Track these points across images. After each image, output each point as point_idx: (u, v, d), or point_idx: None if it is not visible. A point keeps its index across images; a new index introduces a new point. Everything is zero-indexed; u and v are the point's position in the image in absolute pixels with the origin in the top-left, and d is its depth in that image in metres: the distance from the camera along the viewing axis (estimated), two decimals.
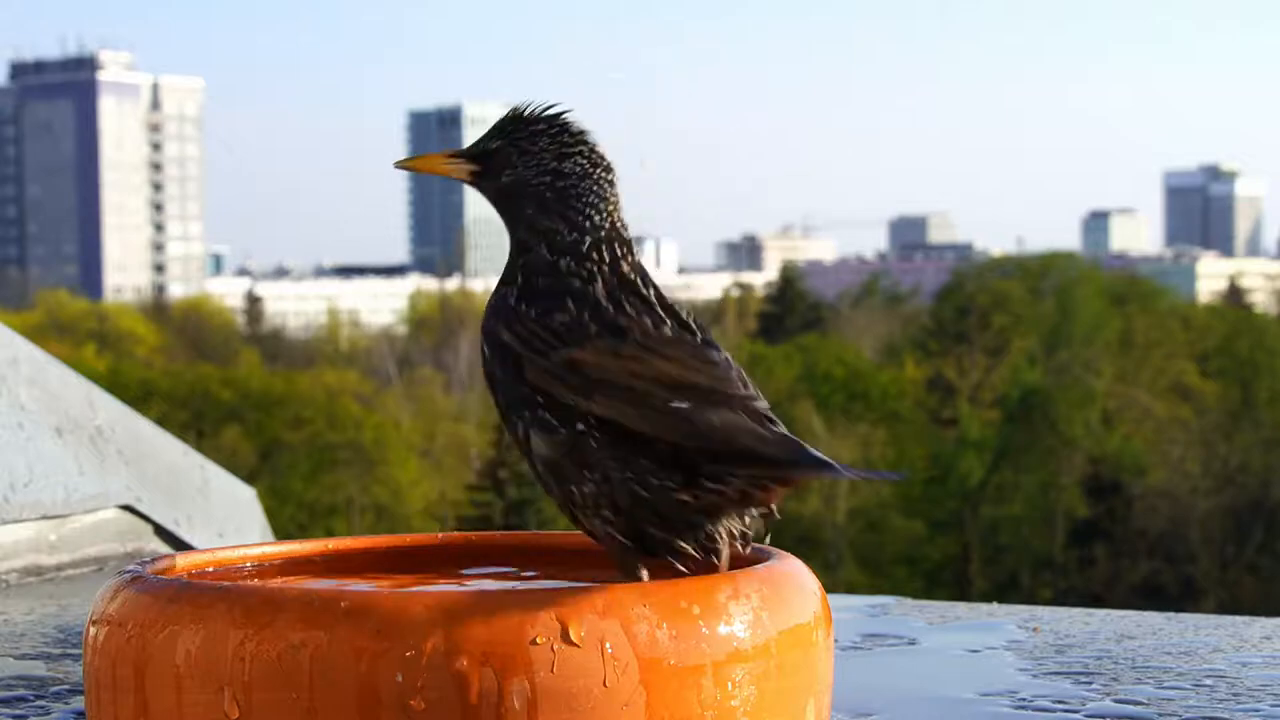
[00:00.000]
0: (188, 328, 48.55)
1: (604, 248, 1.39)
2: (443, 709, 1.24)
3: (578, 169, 1.39)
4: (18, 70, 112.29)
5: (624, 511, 1.32)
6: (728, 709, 1.29)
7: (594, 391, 1.32)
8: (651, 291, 1.39)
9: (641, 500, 1.32)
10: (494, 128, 1.42)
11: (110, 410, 3.12)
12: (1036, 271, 41.71)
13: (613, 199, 1.40)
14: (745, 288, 58.19)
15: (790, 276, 48.54)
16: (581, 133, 1.40)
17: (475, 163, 1.41)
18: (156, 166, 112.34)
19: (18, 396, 2.91)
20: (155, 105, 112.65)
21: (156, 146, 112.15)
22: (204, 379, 35.37)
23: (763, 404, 1.33)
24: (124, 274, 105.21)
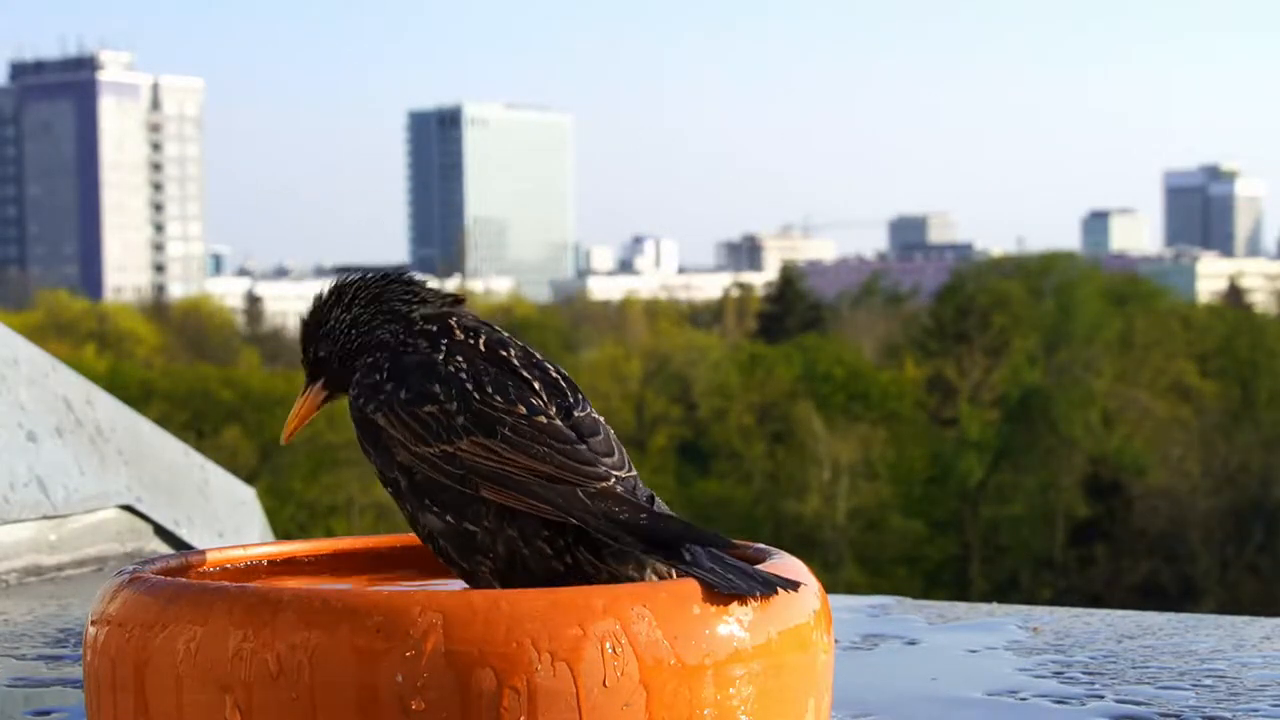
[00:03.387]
0: (188, 328, 48.55)
1: (447, 319, 1.46)
2: (443, 709, 1.24)
3: (364, 297, 1.48)
4: (18, 70, 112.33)
5: (501, 568, 1.38)
6: (728, 709, 1.29)
7: (474, 477, 1.37)
8: (513, 352, 1.43)
9: (521, 560, 1.37)
10: (301, 343, 1.51)
11: (110, 410, 3.12)
12: (1037, 271, 41.73)
13: (423, 290, 1.48)
14: (745, 288, 58.18)
15: (790, 276, 48.54)
16: (349, 281, 1.49)
17: (314, 379, 1.50)
18: (156, 166, 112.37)
19: (18, 396, 2.91)
20: (155, 105, 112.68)
21: (156, 146, 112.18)
22: (204, 379, 35.39)
23: (624, 470, 1.39)
24: (124, 274, 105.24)
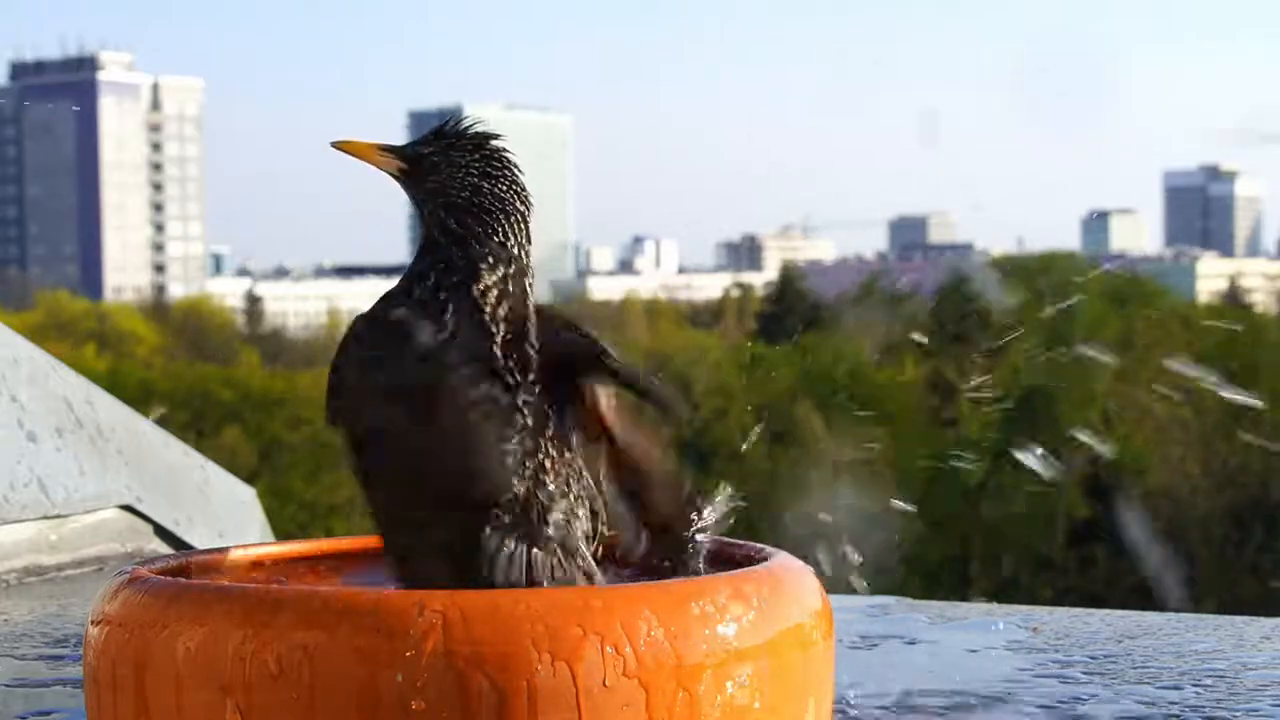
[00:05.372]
0: (188, 328, 48.51)
1: (486, 270, 1.44)
2: (443, 709, 1.24)
3: (498, 191, 1.46)
4: (18, 70, 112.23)
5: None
6: (728, 709, 1.29)
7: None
8: (500, 327, 1.43)
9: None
10: (429, 134, 1.49)
11: (110, 410, 3.12)
12: (1037, 271, 41.69)
13: (523, 231, 1.46)
14: (745, 288, 58.13)
15: (790, 276, 48.51)
16: (510, 162, 1.47)
17: (406, 162, 1.48)
18: (156, 166, 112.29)
19: (18, 396, 2.91)
20: (155, 105, 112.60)
21: (156, 146, 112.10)
22: (204, 379, 35.37)
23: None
24: (124, 274, 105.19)
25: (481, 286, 1.44)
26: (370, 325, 1.43)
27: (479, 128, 1.47)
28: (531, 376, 1.42)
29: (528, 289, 1.46)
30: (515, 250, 1.45)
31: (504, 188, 1.46)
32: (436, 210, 1.46)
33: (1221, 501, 33.81)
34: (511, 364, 1.41)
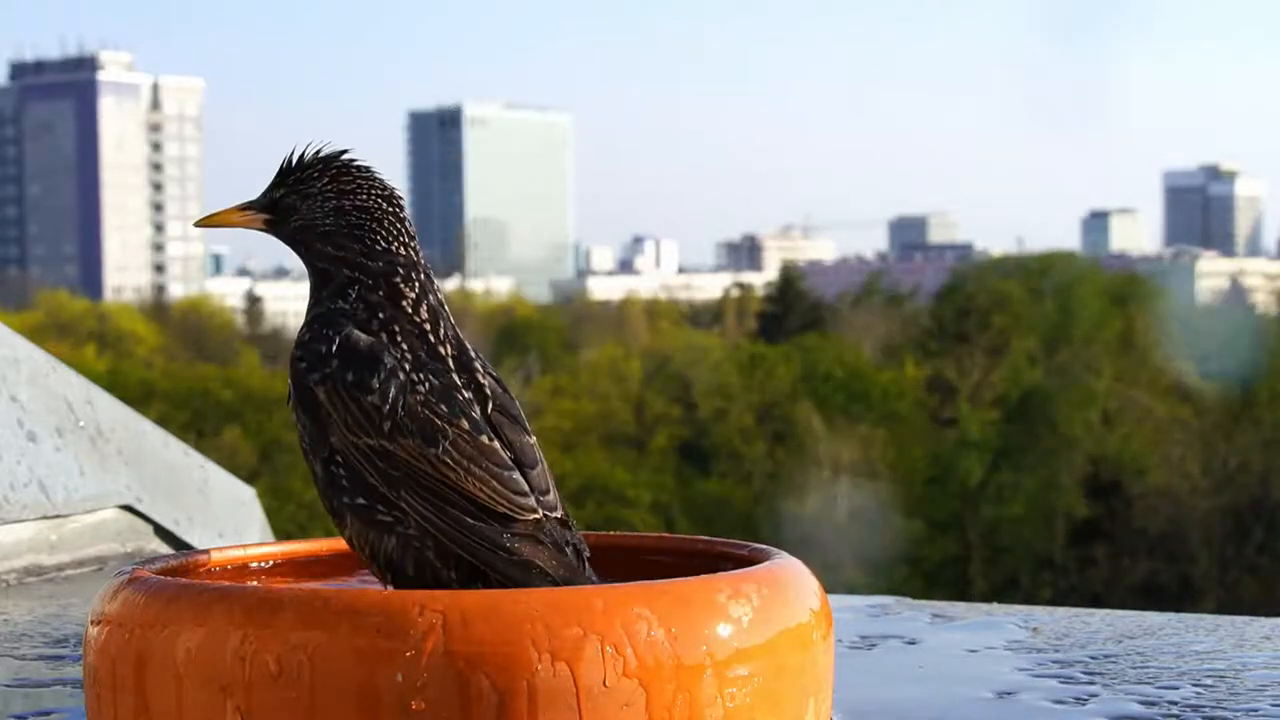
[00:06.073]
0: (188, 328, 48.52)
1: (401, 282, 1.44)
2: (443, 709, 1.24)
3: (360, 205, 1.45)
4: (18, 70, 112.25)
5: (398, 572, 1.40)
6: (728, 709, 1.29)
7: (400, 486, 1.37)
8: (448, 347, 1.43)
9: (423, 569, 1.39)
10: (276, 176, 1.48)
11: (110, 410, 3.12)
12: (1036, 271, 41.73)
13: (402, 230, 1.45)
14: (745, 288, 58.14)
15: (790, 276, 48.53)
16: (361, 170, 1.46)
17: (265, 212, 1.48)
18: (156, 166, 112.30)
19: (18, 396, 2.91)
20: (155, 105, 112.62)
21: (156, 146, 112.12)
22: (204, 379, 35.40)
23: (556, 511, 1.40)
24: (124, 274, 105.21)
25: (408, 304, 1.43)
26: (345, 347, 1.41)
27: (323, 151, 1.46)
28: (491, 406, 1.42)
29: (439, 288, 1.46)
30: (402, 250, 1.45)
31: (364, 198, 1.45)
32: (312, 244, 1.46)
33: (1221, 501, 33.81)
34: (470, 394, 1.41)
